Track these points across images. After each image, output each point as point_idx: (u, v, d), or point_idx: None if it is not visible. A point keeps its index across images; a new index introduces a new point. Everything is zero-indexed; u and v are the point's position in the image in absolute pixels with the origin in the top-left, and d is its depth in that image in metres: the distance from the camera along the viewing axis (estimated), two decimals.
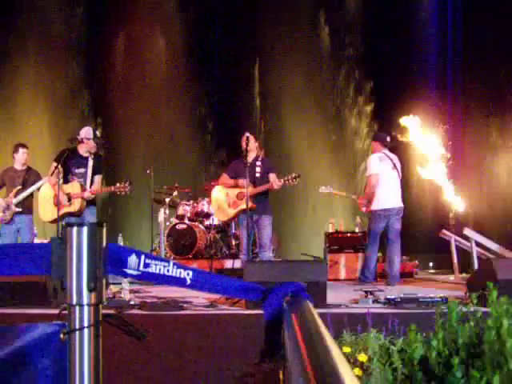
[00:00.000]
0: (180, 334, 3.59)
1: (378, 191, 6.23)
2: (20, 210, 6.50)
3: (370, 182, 6.30)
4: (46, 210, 6.13)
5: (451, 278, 7.28)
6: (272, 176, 5.99)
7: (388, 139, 6.46)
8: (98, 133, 6.25)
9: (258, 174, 6.04)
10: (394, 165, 6.37)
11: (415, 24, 10.66)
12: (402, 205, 6.31)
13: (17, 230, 6.54)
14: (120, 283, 4.68)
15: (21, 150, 6.72)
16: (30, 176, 6.69)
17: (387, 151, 6.41)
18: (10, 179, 6.60)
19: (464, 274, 7.14)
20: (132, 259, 1.22)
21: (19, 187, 6.53)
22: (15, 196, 6.49)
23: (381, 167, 6.25)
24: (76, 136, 6.14)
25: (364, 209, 6.54)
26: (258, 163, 6.12)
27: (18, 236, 6.57)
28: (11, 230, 6.49)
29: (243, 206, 5.88)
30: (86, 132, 6.08)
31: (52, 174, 5.94)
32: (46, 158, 7.76)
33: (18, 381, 1.12)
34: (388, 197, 6.25)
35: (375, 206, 6.27)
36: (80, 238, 1.14)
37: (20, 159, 6.71)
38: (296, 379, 0.74)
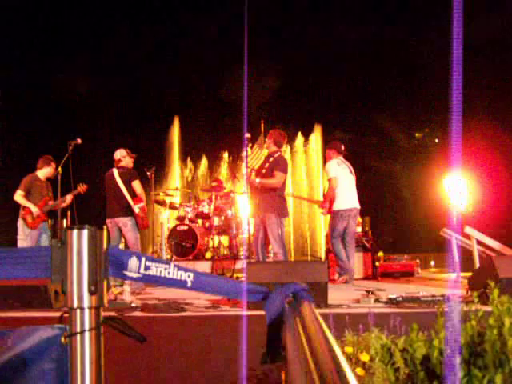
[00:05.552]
0: (181, 335, 3.58)
1: (338, 193, 6.61)
2: (46, 219, 6.97)
3: (331, 184, 6.65)
4: None
5: (452, 276, 7.27)
6: (275, 173, 6.01)
7: (342, 147, 6.94)
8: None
9: (264, 170, 6.10)
10: (350, 169, 6.84)
11: None
12: (359, 206, 6.71)
13: (39, 234, 6.88)
14: (121, 285, 4.69)
15: (52, 164, 7.02)
16: (49, 188, 7.07)
17: (342, 157, 6.88)
18: (37, 189, 6.93)
19: (465, 273, 7.13)
20: (132, 262, 1.21)
21: (51, 202, 6.90)
22: (44, 206, 6.90)
23: (339, 171, 6.69)
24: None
25: (325, 212, 6.88)
26: (271, 159, 6.15)
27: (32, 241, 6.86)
28: (33, 234, 6.82)
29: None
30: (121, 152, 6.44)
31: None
32: None
33: None
34: (348, 198, 6.65)
35: (337, 207, 6.62)
36: (80, 241, 1.14)
37: (50, 173, 6.97)
38: (298, 380, 0.73)
